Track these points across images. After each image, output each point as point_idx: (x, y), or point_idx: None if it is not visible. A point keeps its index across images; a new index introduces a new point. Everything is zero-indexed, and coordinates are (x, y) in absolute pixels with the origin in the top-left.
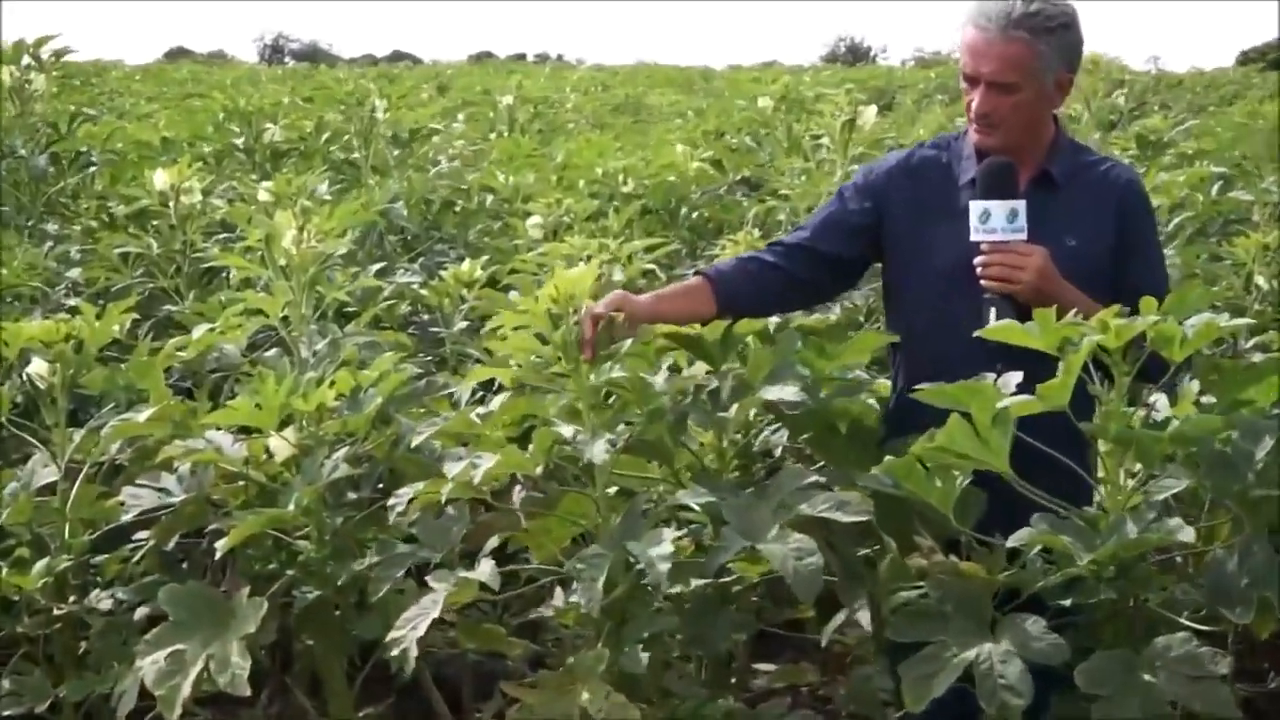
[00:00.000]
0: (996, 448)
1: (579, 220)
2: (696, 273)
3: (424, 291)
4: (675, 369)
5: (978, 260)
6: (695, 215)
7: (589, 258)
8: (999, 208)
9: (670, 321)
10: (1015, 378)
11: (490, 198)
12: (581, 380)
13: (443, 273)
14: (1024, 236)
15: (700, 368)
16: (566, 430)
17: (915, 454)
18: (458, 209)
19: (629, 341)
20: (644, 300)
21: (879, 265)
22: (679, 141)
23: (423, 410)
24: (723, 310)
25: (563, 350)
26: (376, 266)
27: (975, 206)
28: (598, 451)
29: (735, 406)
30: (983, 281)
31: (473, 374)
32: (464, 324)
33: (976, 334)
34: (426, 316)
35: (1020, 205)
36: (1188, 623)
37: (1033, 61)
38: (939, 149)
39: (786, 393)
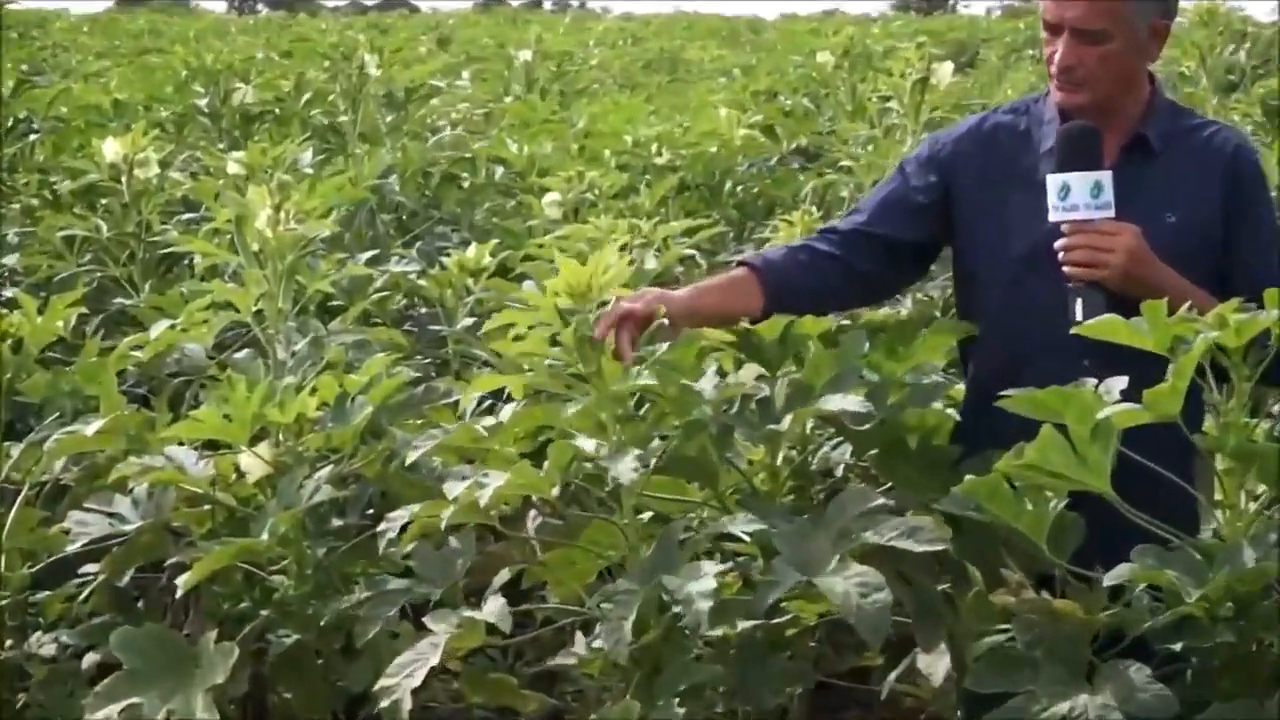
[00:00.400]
0: (1096, 465)
1: (605, 198)
2: (740, 263)
3: (422, 282)
4: (722, 374)
5: (1059, 244)
6: (742, 191)
7: (622, 244)
8: (1080, 181)
9: (709, 320)
10: (1119, 383)
11: (500, 171)
12: (605, 386)
13: (444, 259)
14: (1111, 214)
15: (749, 372)
16: (588, 444)
17: (1001, 472)
18: (462, 184)
19: (664, 346)
20: (679, 296)
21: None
22: (723, 104)
23: (421, 421)
24: (771, 307)
25: (577, 352)
26: (367, 254)
27: (1053, 181)
28: (625, 469)
29: (789, 418)
30: (1065, 269)
31: (478, 381)
32: (469, 320)
33: (1074, 331)
34: (425, 311)
35: (1105, 177)
36: None
37: (1123, 5)
38: (1017, 113)
39: (849, 402)
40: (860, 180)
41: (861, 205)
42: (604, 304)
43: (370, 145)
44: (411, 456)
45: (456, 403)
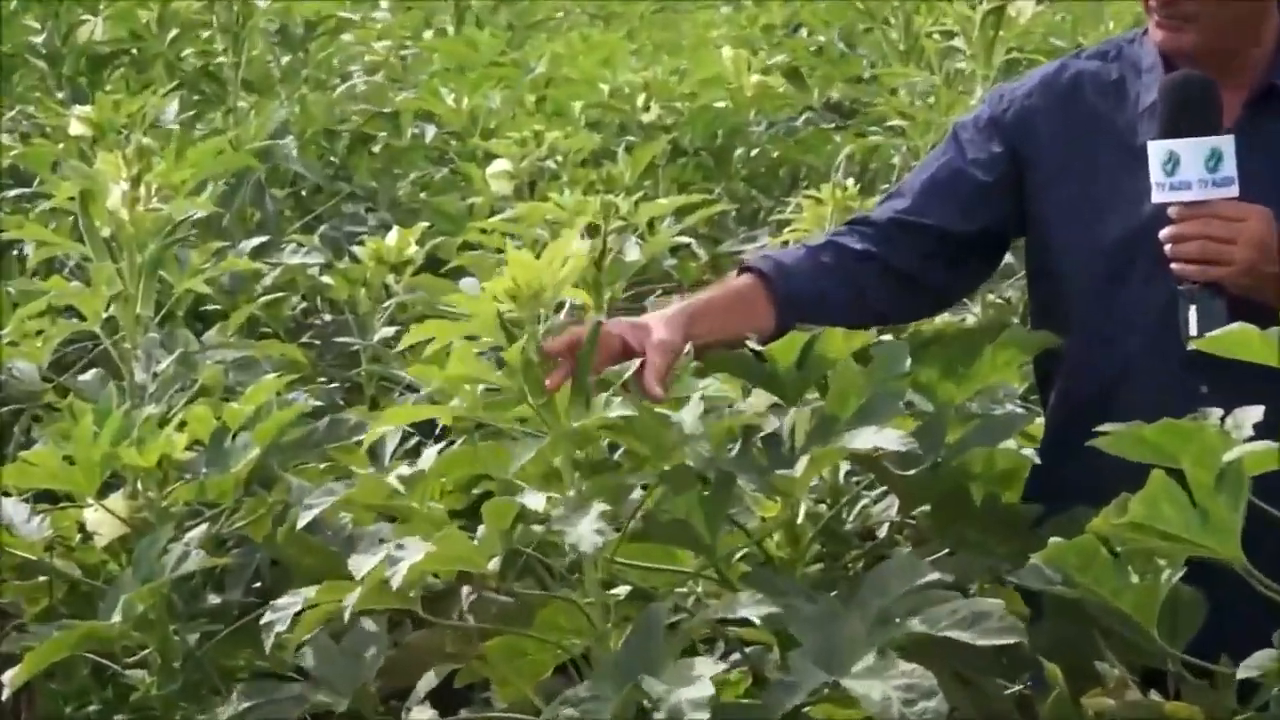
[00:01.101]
0: (1223, 524)
1: (571, 165)
2: (743, 269)
3: (327, 279)
4: (718, 405)
5: (1165, 233)
6: (756, 159)
7: (592, 226)
8: (1192, 150)
9: (714, 341)
10: (1252, 414)
11: (431, 131)
12: (560, 421)
13: (356, 249)
14: (1233, 192)
15: (758, 400)
16: (536, 500)
17: (1096, 534)
18: (379, 147)
19: (634, 363)
20: (662, 321)
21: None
22: (728, 42)
23: (325, 466)
24: (785, 325)
25: (523, 376)
26: (254, 241)
27: (1156, 149)
28: (586, 533)
29: (807, 459)
30: (1174, 265)
31: (394, 413)
32: (389, 330)
33: (1188, 346)
34: (331, 318)
35: (1225, 144)
36: None
37: None
38: (1105, 59)
39: (888, 438)
40: (915, 144)
41: (903, 187)
42: (563, 308)
43: (259, 96)
44: (307, 515)
45: (374, 441)
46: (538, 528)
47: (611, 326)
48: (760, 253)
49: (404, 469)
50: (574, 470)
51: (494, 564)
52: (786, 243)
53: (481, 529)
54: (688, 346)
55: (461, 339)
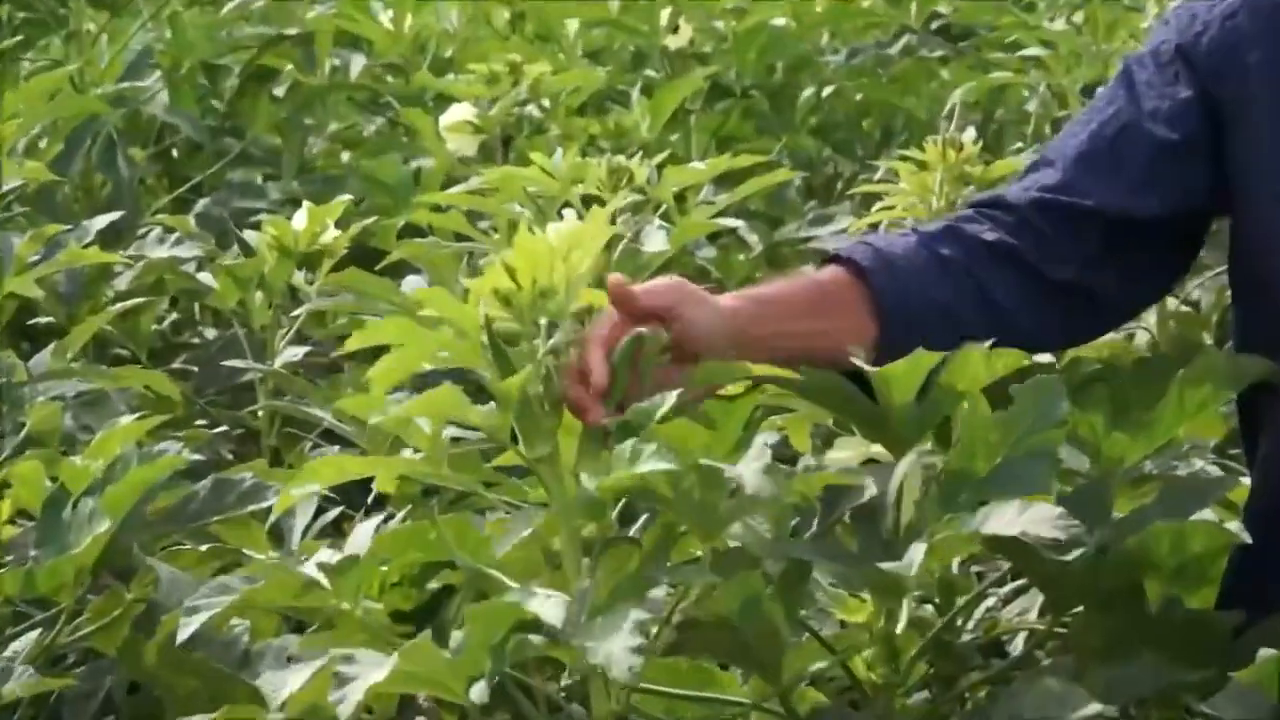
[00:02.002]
0: None
1: (564, 113)
2: (827, 258)
3: (207, 277)
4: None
5: None
6: (831, 102)
7: (592, 201)
8: None
9: (780, 357)
10: None
11: (359, 63)
12: (566, 484)
13: (250, 234)
14: None
15: (849, 451)
16: (552, 608)
17: None
18: (283, 88)
19: (672, 395)
20: (725, 306)
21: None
22: None
23: (207, 549)
24: (889, 341)
25: (516, 417)
26: (102, 221)
27: None
28: (617, 653)
29: (922, 546)
30: None
31: (313, 468)
32: (297, 350)
33: None
34: (214, 334)
35: None
36: None
37: None
38: None
39: (1040, 521)
40: (1059, 84)
41: (1050, 152)
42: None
43: (111, 16)
44: (187, 627)
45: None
46: (535, 638)
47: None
48: (854, 239)
49: (325, 553)
50: (582, 554)
51: (478, 691)
52: (876, 226)
53: (455, 638)
54: (662, 336)
55: (419, 356)
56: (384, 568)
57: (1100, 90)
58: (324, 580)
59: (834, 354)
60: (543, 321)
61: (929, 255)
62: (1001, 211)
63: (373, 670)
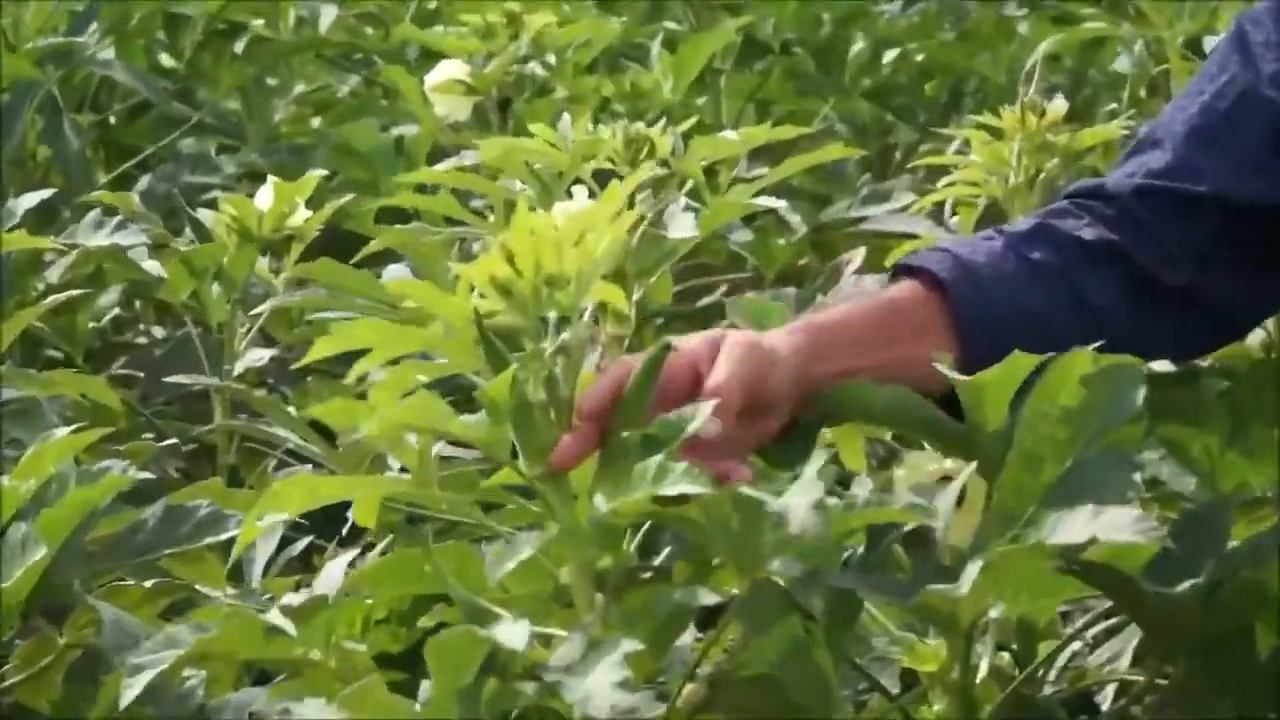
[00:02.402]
0: None
1: (572, 71)
2: (897, 270)
3: (154, 266)
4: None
5: None
6: (889, 60)
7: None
8: None
9: (827, 351)
10: None
11: (331, 13)
12: (572, 508)
13: (205, 215)
14: None
15: (916, 470)
16: (515, 633)
17: None
18: (243, 43)
19: (708, 406)
20: (781, 348)
21: None
22: None
23: (153, 584)
24: (977, 357)
25: (515, 427)
26: (31, 199)
27: None
28: (597, 690)
29: (976, 564)
30: None
31: (279, 493)
32: (261, 353)
33: None
34: (164, 334)
35: None
36: None
37: None
38: None
39: (1116, 524)
40: (1158, 37)
41: (1156, 130)
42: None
43: None
44: (135, 685)
45: (231, 543)
46: (528, 686)
47: (686, 347)
48: (929, 247)
49: (291, 595)
50: (593, 587)
51: None
52: (941, 205)
53: (424, 687)
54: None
55: (402, 360)
56: (368, 601)
57: (1210, 55)
58: (288, 626)
59: (910, 383)
60: (550, 316)
61: (1017, 260)
62: (1100, 202)
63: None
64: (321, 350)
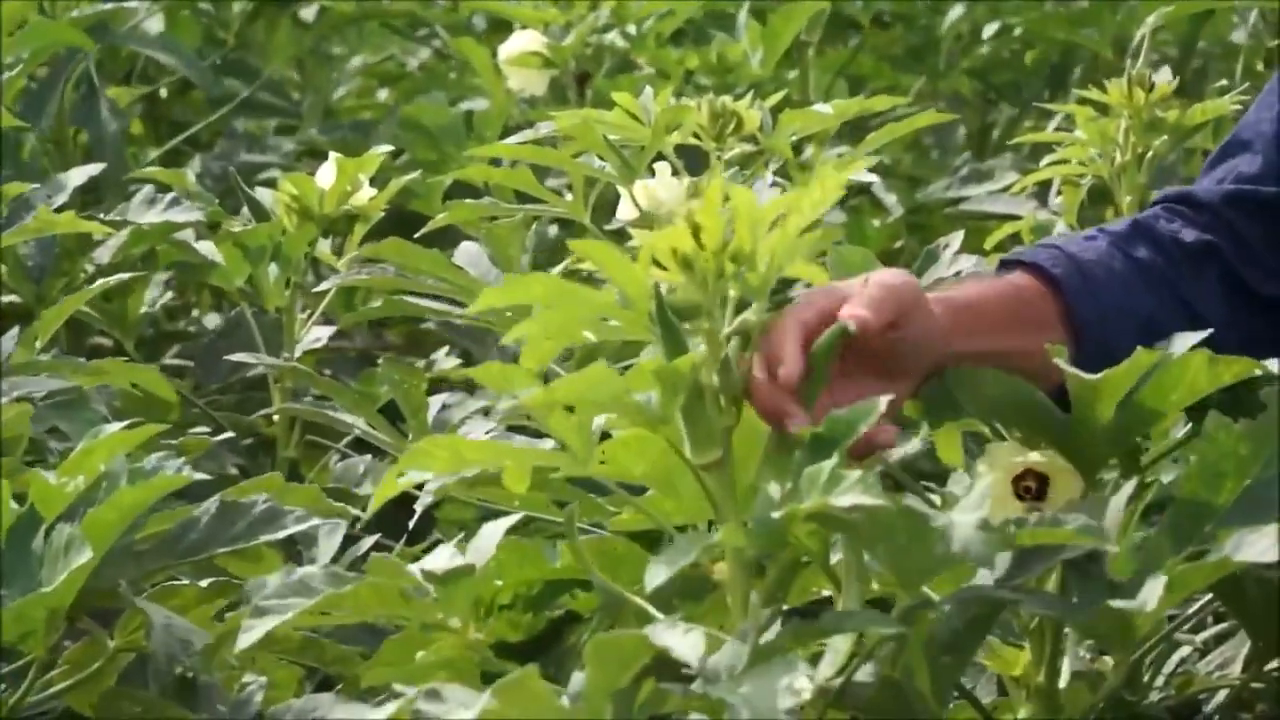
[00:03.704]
0: None
1: (653, 43)
2: (1005, 262)
3: (210, 249)
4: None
5: None
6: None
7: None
8: None
9: (968, 338)
10: None
11: None
12: (734, 498)
13: (263, 193)
14: None
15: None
16: (687, 642)
17: None
18: (300, 11)
19: (882, 402)
20: (937, 316)
21: None
22: None
23: (208, 584)
24: (1088, 357)
25: (686, 412)
26: (79, 177)
27: None
28: (761, 701)
29: (1160, 580)
30: None
31: (416, 454)
32: (323, 331)
33: None
34: (219, 319)
35: None
36: None
37: None
38: None
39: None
40: (1275, 8)
41: (1244, 130)
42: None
43: None
44: (250, 635)
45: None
46: (674, 687)
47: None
48: (1038, 243)
49: (443, 553)
50: (749, 586)
51: None
52: (1046, 184)
53: (576, 680)
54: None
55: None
56: (498, 583)
57: None
58: (430, 587)
59: (1023, 375)
60: (730, 294)
61: (1124, 260)
62: (1190, 209)
63: (461, 709)
64: (489, 301)
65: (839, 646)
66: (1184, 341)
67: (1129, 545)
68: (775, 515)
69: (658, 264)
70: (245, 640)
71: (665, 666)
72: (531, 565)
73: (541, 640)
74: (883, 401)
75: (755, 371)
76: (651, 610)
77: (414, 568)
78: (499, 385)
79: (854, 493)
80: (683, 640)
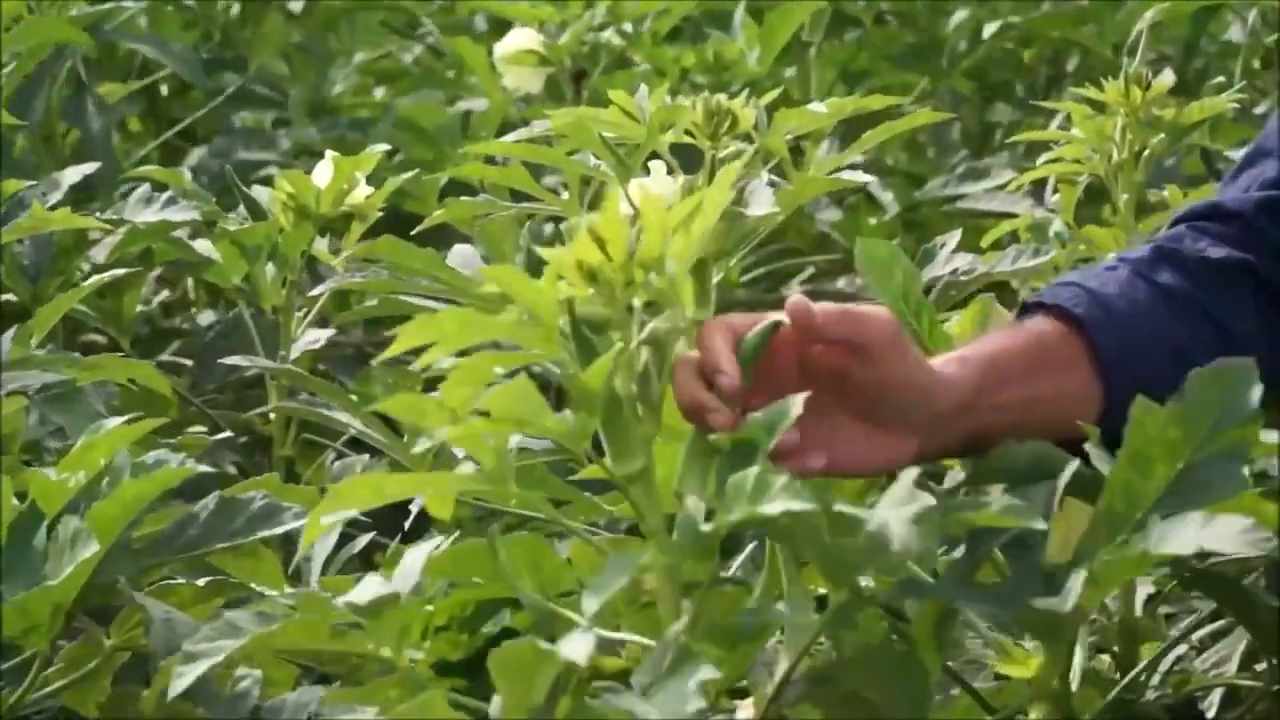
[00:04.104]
0: None
1: (650, 41)
2: (1026, 306)
3: (207, 247)
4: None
5: None
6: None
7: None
8: None
9: (988, 427)
10: None
11: None
12: (659, 508)
13: (259, 192)
14: None
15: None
16: (578, 647)
17: None
18: (298, 5)
19: (799, 400)
20: (947, 373)
21: None
22: None
23: (206, 583)
24: (1115, 400)
25: (606, 424)
26: (74, 176)
27: None
28: (670, 704)
29: (1080, 575)
30: None
31: (346, 490)
32: (318, 334)
33: None
34: (215, 318)
35: None
36: None
37: None
38: None
39: (1229, 534)
40: (1275, 6)
41: (1266, 140)
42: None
43: None
44: (184, 678)
45: (290, 539)
46: (595, 703)
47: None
48: (1056, 281)
49: (368, 585)
50: (679, 595)
51: None
52: (1041, 184)
53: (496, 701)
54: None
55: (473, 350)
56: (434, 611)
57: None
58: (359, 619)
59: (1051, 421)
60: (636, 303)
61: (1148, 289)
62: (1218, 223)
63: None
64: (404, 344)
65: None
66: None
67: None
68: (704, 528)
69: (565, 279)
70: (177, 688)
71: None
72: (459, 587)
73: (483, 657)
74: (798, 401)
75: (677, 372)
76: (583, 623)
77: (346, 599)
78: (412, 418)
79: (782, 499)
80: (573, 644)
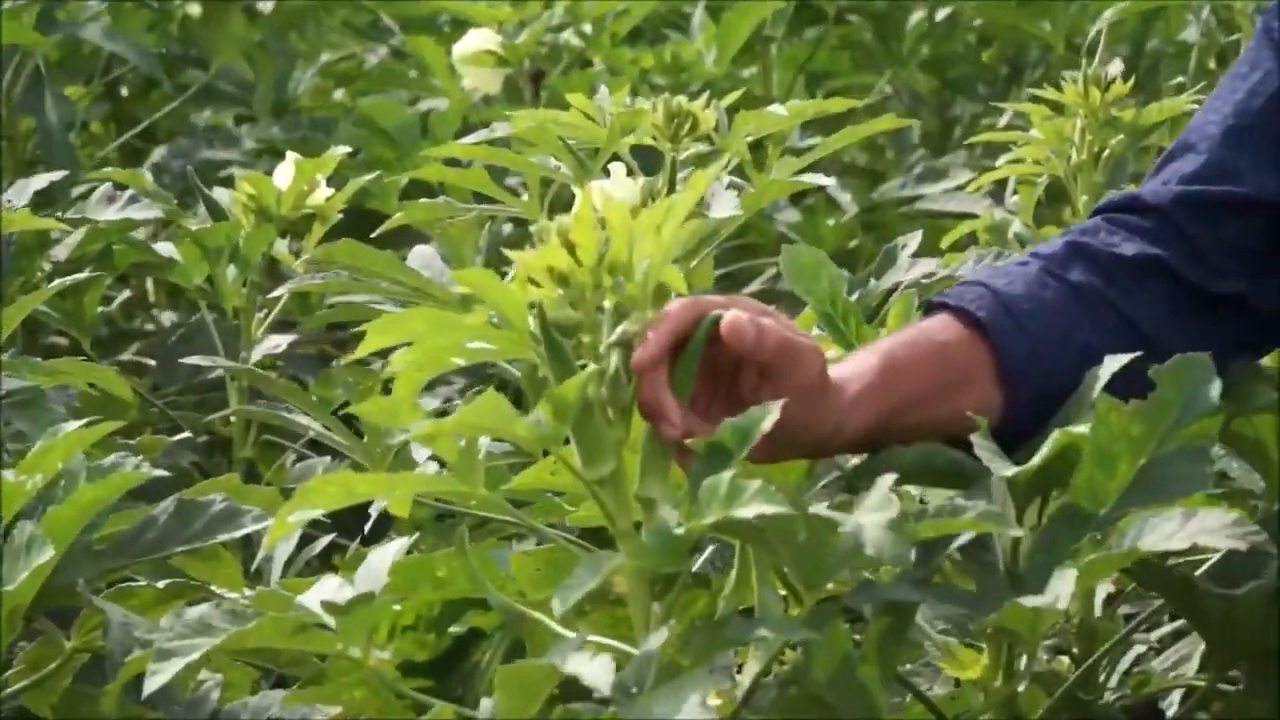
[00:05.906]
0: None
1: (609, 40)
2: (932, 304)
3: (168, 248)
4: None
5: None
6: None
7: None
8: None
9: (896, 439)
10: None
11: None
12: (629, 511)
13: (220, 193)
14: None
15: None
16: (597, 670)
17: None
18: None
19: (775, 408)
20: (854, 392)
21: None
22: None
23: (166, 585)
24: (1016, 403)
25: (576, 429)
26: (36, 181)
27: None
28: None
29: (1070, 573)
30: None
31: (307, 493)
32: (279, 339)
33: None
34: (175, 319)
35: None
36: None
37: None
38: None
39: (1208, 528)
40: (1227, 6)
41: (1191, 133)
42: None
43: None
44: (156, 679)
45: (250, 541)
46: (585, 707)
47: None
48: (963, 281)
49: (332, 585)
50: (650, 597)
51: None
52: (1003, 183)
53: (485, 707)
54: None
55: (447, 350)
56: (396, 608)
57: (1240, 55)
58: (329, 619)
59: (949, 429)
60: (606, 306)
61: (1058, 287)
62: (1137, 216)
63: None
64: (372, 344)
65: (760, 654)
66: (1113, 365)
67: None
68: (677, 531)
69: (534, 282)
70: (152, 685)
71: (573, 686)
72: (426, 588)
73: (449, 657)
74: (777, 407)
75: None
76: (555, 626)
77: (308, 599)
78: (384, 420)
79: (756, 503)
80: (590, 667)
